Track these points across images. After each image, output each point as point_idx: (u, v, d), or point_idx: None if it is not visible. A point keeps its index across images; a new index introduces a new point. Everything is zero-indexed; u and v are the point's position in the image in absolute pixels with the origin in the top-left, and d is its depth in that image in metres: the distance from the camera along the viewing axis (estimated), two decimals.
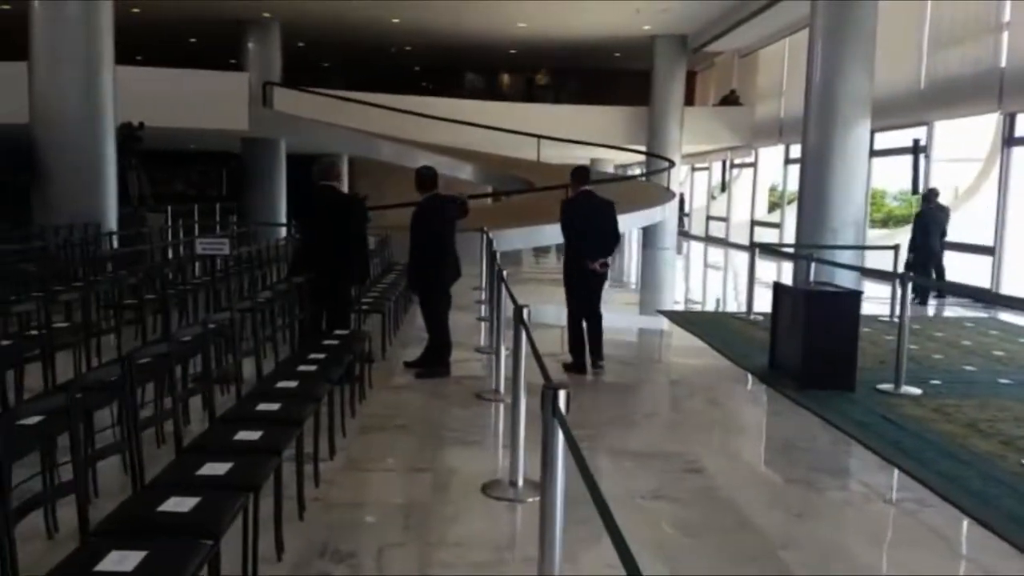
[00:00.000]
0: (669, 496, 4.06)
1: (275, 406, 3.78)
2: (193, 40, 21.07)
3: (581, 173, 6.81)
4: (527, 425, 4.04)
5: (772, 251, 14.64)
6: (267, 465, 3.09)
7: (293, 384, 4.19)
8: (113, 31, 10.80)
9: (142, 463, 2.85)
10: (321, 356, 4.90)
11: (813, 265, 8.91)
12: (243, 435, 3.37)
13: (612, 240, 6.81)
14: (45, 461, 3.23)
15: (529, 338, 3.76)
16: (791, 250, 13.38)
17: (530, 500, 3.97)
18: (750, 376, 6.88)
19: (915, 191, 14.29)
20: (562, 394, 2.33)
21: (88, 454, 2.86)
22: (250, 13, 18.13)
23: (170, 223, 16.12)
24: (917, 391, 6.42)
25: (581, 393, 5.83)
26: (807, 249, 10.03)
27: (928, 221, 11.65)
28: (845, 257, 10.76)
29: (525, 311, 4.01)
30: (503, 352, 5.94)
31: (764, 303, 10.18)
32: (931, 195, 11.97)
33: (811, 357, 6.34)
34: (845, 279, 9.84)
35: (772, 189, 22.28)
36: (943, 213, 11.86)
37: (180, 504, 2.57)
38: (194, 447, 3.23)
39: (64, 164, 10.53)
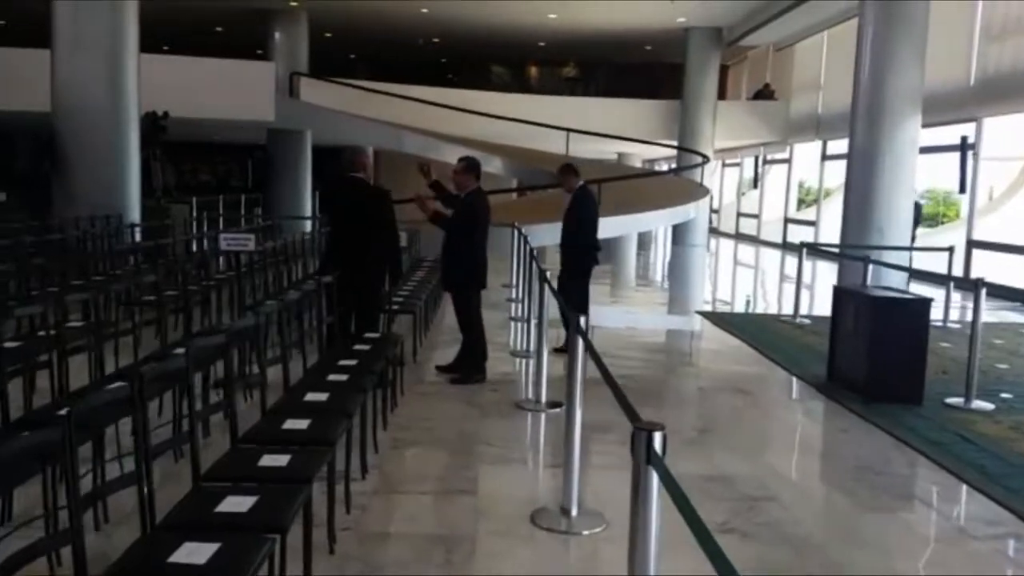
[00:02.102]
0: (740, 530, 3.63)
1: (303, 423, 3.40)
2: (219, 29, 20.80)
3: (574, 168, 7.17)
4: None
5: (818, 251, 14.11)
6: (295, 498, 2.70)
7: (323, 397, 3.80)
8: (138, 18, 10.49)
9: (153, 499, 2.47)
10: (352, 363, 4.51)
11: (865, 267, 8.36)
12: (269, 460, 2.98)
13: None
14: (47, 497, 2.85)
15: (591, 352, 3.34)
16: (831, 249, 12.92)
17: (585, 532, 3.55)
18: (808, 386, 6.42)
19: (962, 190, 13.72)
20: (658, 436, 1.92)
21: (93, 490, 2.48)
22: (277, 2, 17.81)
23: (195, 215, 15.85)
24: (989, 406, 5.95)
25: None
26: (861, 250, 9.51)
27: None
28: (892, 258, 10.26)
29: (583, 320, 3.59)
30: (545, 357, 5.53)
31: (802, 305, 9.81)
32: None
33: (877, 368, 5.88)
34: (894, 281, 9.37)
35: (799, 185, 21.70)
36: None
37: (197, 553, 2.18)
38: (213, 475, 2.85)
39: (86, 154, 10.22)
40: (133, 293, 5.61)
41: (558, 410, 5.40)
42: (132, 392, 2.43)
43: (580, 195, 7.14)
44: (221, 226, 16.11)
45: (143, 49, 10.71)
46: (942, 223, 17.20)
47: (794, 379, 6.72)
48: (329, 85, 18.46)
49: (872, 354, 5.92)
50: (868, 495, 4.23)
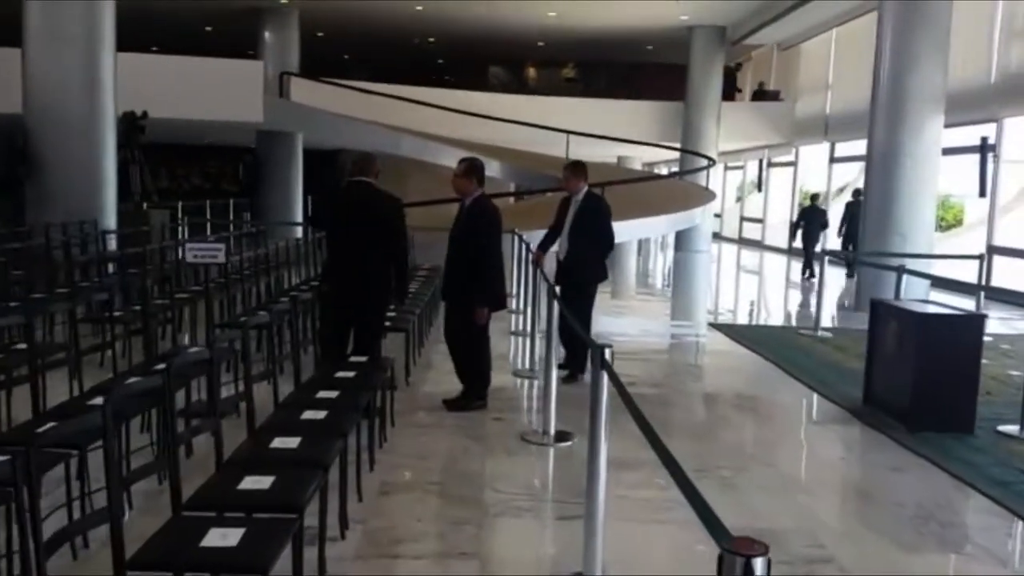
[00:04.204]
0: None
1: (266, 482, 2.76)
2: (209, 28, 20.18)
3: (584, 170, 6.35)
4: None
5: (837, 257, 13.51)
6: None
7: (293, 443, 3.16)
8: (115, 13, 9.85)
9: None
10: (333, 395, 3.88)
11: (899, 277, 7.73)
12: (216, 537, 2.34)
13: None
14: None
15: (622, 391, 2.72)
16: (847, 256, 12.34)
17: None
18: (843, 411, 5.78)
19: (982, 193, 13.10)
20: (759, 564, 1.29)
21: None
22: (268, 1, 17.20)
23: (180, 220, 15.17)
24: None
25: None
26: (887, 258, 8.90)
27: (856, 212, 13.24)
28: (913, 265, 9.66)
29: (608, 352, 2.96)
30: (553, 382, 4.91)
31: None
32: (857, 193, 13.81)
33: (923, 392, 5.26)
34: (918, 292, 8.79)
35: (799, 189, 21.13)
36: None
37: None
38: (140, 562, 2.21)
39: (60, 156, 9.56)
40: (89, 309, 4.97)
41: (568, 443, 4.79)
42: (13, 469, 1.80)
43: (593, 201, 6.38)
44: (208, 232, 15.45)
45: (130, 48, 10.08)
46: (940, 227, 16.56)
47: (825, 402, 6.09)
48: (321, 86, 17.83)
49: (917, 376, 5.30)
50: (940, 551, 3.60)
